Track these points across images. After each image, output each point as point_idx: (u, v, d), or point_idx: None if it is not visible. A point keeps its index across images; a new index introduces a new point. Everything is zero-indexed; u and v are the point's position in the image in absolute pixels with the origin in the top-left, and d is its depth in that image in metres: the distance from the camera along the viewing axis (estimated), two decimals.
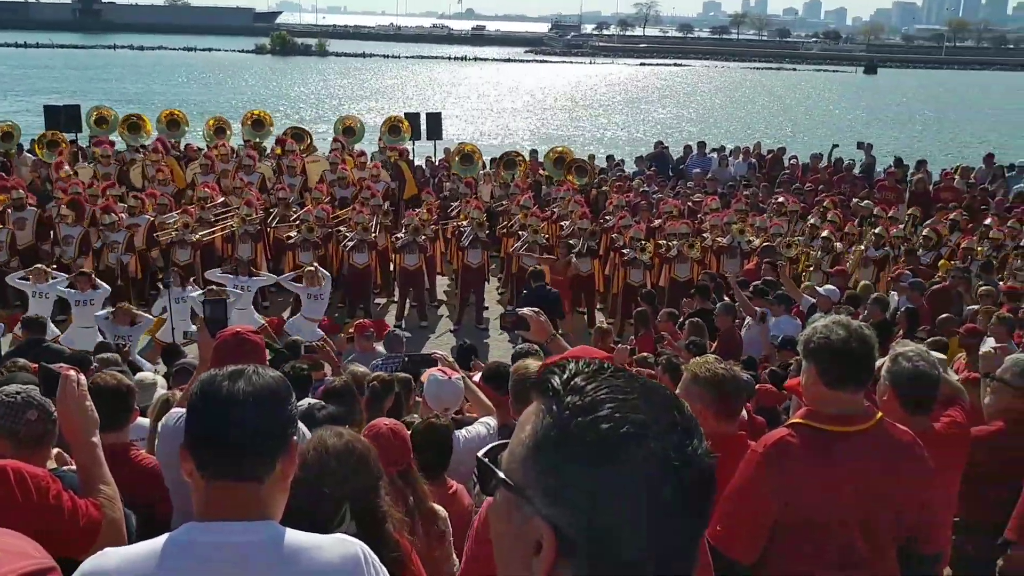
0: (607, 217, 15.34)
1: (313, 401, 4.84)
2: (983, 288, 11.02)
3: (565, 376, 1.17)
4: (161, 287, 12.02)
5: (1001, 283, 11.75)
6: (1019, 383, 4.26)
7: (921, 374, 3.48)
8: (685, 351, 8.16)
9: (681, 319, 10.42)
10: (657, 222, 14.83)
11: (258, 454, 1.92)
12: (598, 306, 14.68)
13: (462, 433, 4.69)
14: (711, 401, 3.41)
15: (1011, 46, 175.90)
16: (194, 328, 10.40)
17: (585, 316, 14.39)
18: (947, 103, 69.80)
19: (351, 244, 13.96)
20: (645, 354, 8.41)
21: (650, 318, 10.61)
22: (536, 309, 4.08)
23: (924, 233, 14.26)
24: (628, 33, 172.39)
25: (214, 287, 11.80)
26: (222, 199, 15.37)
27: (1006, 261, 13.24)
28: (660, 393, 1.16)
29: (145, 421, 5.13)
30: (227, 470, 1.90)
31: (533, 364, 3.53)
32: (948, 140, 42.96)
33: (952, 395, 4.15)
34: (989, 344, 8.98)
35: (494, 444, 1.27)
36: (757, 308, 10.14)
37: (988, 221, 14.75)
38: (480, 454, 1.23)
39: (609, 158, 21.97)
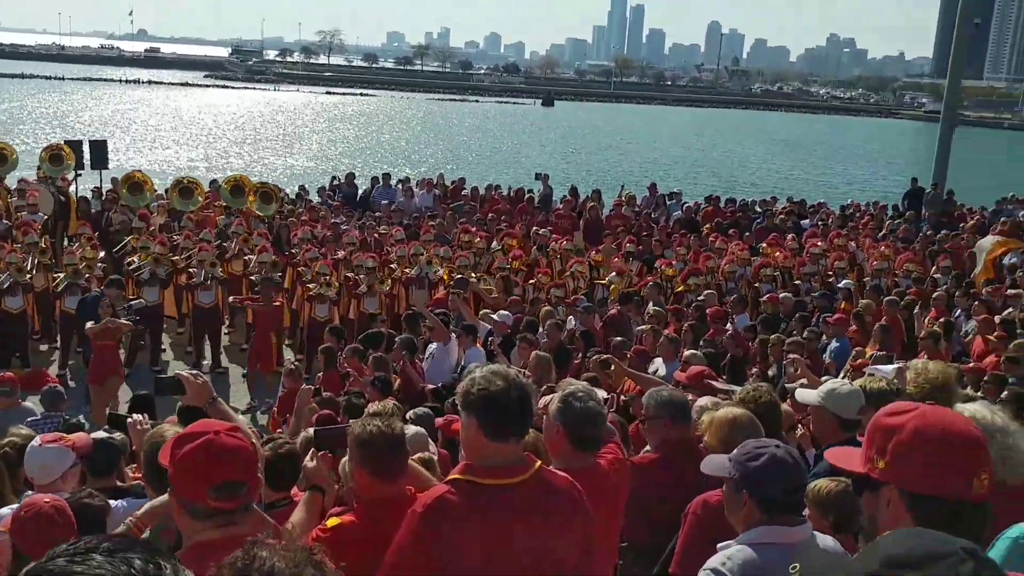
0: (293, 250, 14.98)
1: None
2: (652, 309, 11.85)
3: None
4: None
5: None
6: (655, 413, 4.57)
7: (592, 413, 3.57)
8: (371, 388, 8.06)
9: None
10: (341, 254, 14.63)
11: None
12: (286, 342, 14.23)
13: (121, 503, 4.22)
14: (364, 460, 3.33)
15: (669, 83, 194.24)
16: None
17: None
18: (616, 135, 75.32)
19: (4, 286, 12.59)
20: (329, 394, 8.20)
21: (336, 354, 10.33)
22: (195, 372, 3.72)
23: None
24: (312, 61, 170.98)
25: None
26: None
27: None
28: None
29: None
30: None
31: (169, 431, 3.25)
32: (616, 170, 46.18)
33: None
34: (657, 364, 9.64)
35: None
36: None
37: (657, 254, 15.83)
38: None
39: (302, 188, 21.56)
